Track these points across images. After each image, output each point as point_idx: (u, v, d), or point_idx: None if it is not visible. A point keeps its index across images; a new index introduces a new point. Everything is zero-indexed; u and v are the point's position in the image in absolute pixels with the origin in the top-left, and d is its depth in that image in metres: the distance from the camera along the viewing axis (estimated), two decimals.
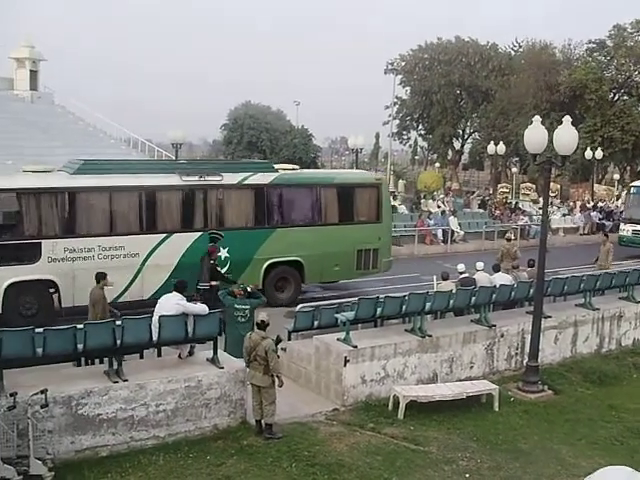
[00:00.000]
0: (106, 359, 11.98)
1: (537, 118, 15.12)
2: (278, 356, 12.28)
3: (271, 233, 21.57)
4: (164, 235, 19.81)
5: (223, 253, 20.25)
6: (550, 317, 17.13)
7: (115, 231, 19.31)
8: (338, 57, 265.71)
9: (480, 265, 18.73)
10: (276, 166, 23.31)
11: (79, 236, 18.82)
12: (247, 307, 14.41)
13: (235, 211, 21.25)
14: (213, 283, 18.45)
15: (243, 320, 14.23)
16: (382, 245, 23.33)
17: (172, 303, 12.50)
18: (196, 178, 20.33)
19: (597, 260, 25.00)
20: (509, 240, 24.65)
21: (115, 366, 11.72)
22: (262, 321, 12.25)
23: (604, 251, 24.96)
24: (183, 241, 20.01)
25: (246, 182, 21.11)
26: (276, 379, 12.06)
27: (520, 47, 69.61)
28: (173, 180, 20.13)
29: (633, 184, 37.36)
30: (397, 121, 74.19)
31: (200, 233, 20.20)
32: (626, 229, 33.96)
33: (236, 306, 14.41)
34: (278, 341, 12.56)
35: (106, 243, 18.92)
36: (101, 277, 15.09)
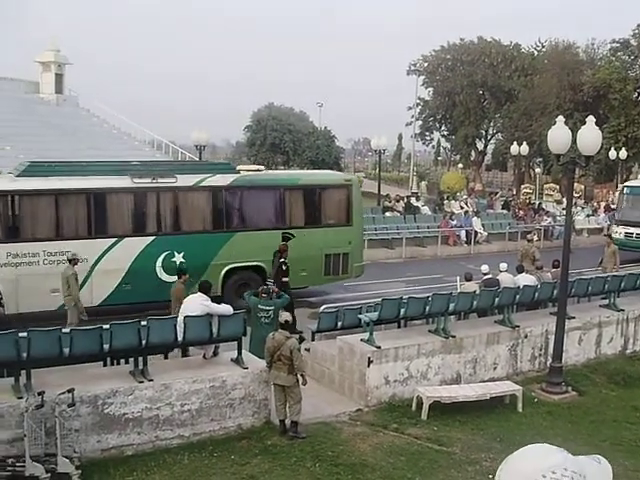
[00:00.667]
0: (131, 359, 12.10)
1: (560, 118, 15.09)
2: (302, 355, 12.36)
3: (230, 237, 20.59)
4: (114, 240, 19.01)
5: (178, 258, 19.45)
6: (574, 318, 17.07)
7: (62, 235, 18.54)
8: (361, 58, 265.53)
9: (504, 266, 18.71)
10: (240, 167, 22.63)
11: (23, 241, 18.18)
12: (272, 308, 14.45)
13: (191, 214, 20.49)
14: (284, 279, 18.65)
15: (267, 321, 14.29)
16: (353, 249, 22.19)
17: (197, 303, 12.61)
18: (148, 180, 19.51)
19: (601, 262, 24.65)
20: (530, 241, 24.54)
21: (140, 366, 11.84)
22: (286, 321, 12.33)
23: (609, 253, 24.64)
24: (135, 246, 19.27)
25: (203, 184, 20.16)
26: (300, 378, 12.12)
27: (543, 47, 69.31)
28: (124, 182, 19.28)
29: (626, 184, 35.40)
30: (420, 122, 74.13)
31: (153, 237, 19.52)
32: (619, 231, 31.85)
33: (260, 307, 14.45)
34: (301, 340, 12.64)
35: (52, 248, 18.19)
36: (182, 273, 16.27)
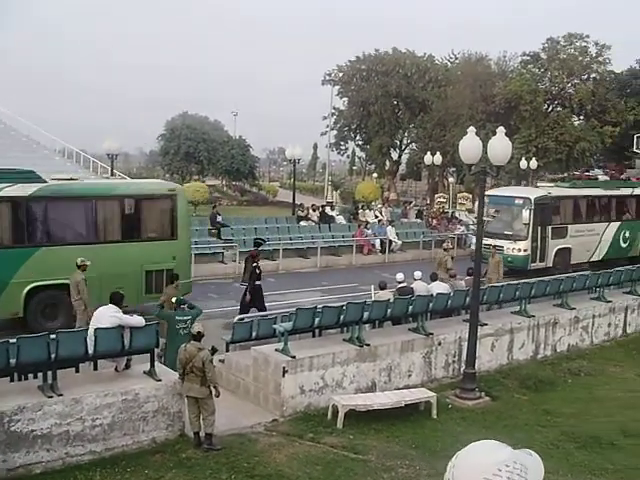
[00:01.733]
0: (40, 374, 11.74)
1: (472, 129, 15.35)
2: (214, 366, 12.21)
3: (33, 253, 18.54)
4: None
5: None
6: (486, 325, 17.37)
7: None
8: (277, 67, 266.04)
9: (418, 274, 18.92)
10: (54, 176, 20.57)
11: None
12: (189, 318, 14.25)
13: None
14: (257, 283, 19.56)
15: (185, 332, 14.08)
16: (178, 265, 20.08)
17: (108, 315, 12.33)
18: None
19: (486, 273, 23.32)
20: (445, 250, 24.80)
21: (50, 380, 11.50)
22: (198, 332, 12.16)
23: (493, 264, 24.20)
24: None
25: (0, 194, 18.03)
26: (213, 390, 11.98)
27: (456, 59, 70.56)
28: None
29: (489, 192, 31.44)
30: (335, 132, 74.55)
31: None
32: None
33: (178, 318, 14.23)
34: (214, 351, 12.49)
35: None
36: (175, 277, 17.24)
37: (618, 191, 33.34)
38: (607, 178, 35.05)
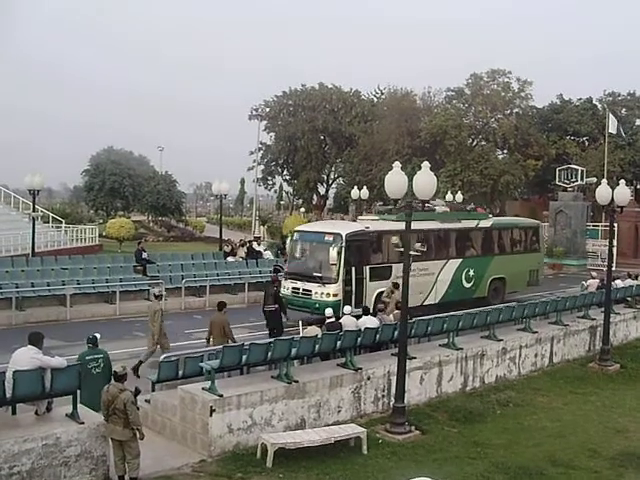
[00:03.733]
0: None
1: (397, 164, 15.45)
2: (138, 408, 11.87)
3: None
4: None
5: None
6: (415, 358, 17.38)
7: None
8: (203, 102, 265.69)
9: (347, 309, 18.87)
10: None
11: None
12: (100, 356, 13.87)
13: None
14: (276, 306, 22.22)
15: (98, 371, 13.70)
16: None
17: (27, 357, 11.87)
18: None
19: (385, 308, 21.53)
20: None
21: None
22: (116, 372, 11.83)
23: (392, 300, 22.36)
24: None
25: None
26: (137, 432, 11.63)
27: (382, 94, 71.61)
28: None
29: (298, 229, 28.90)
30: (262, 167, 74.74)
31: None
32: (286, 286, 25.75)
33: (87, 357, 13.81)
34: (137, 393, 12.14)
35: None
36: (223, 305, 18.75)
37: (459, 224, 29.61)
38: (446, 209, 30.52)
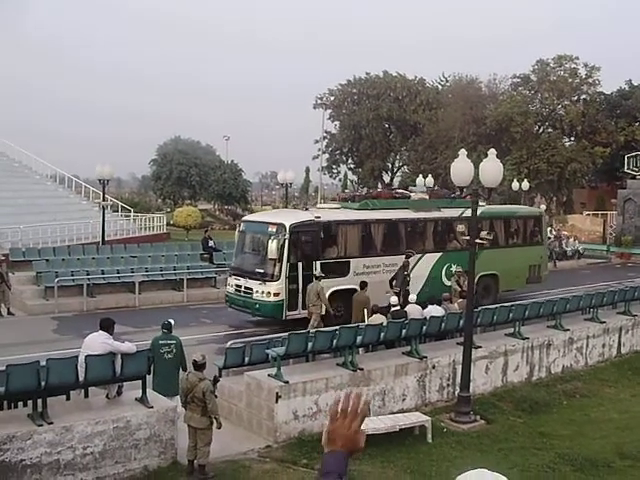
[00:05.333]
0: (30, 401, 11.59)
1: (463, 151, 15.36)
2: (216, 396, 12.02)
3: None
4: None
5: None
6: (480, 347, 17.29)
7: None
8: (269, 91, 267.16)
9: (412, 297, 18.85)
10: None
11: None
12: (173, 342, 14.09)
13: None
14: (407, 288, 21.79)
15: (170, 356, 13.93)
16: None
17: (98, 342, 12.21)
18: None
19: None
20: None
21: (40, 409, 11.36)
22: (195, 361, 11.95)
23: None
24: None
25: None
26: (214, 421, 11.79)
27: (447, 81, 70.99)
28: None
29: (244, 218, 26.99)
30: (327, 155, 74.77)
31: None
32: (230, 283, 23.41)
33: (161, 342, 14.07)
34: (215, 382, 12.33)
35: None
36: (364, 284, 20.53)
37: (438, 213, 26.20)
38: (425, 197, 27.53)
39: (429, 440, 14.15)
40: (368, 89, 71.38)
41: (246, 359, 15.26)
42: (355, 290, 22.03)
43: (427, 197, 27.55)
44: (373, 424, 13.92)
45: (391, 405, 15.51)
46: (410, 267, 23.33)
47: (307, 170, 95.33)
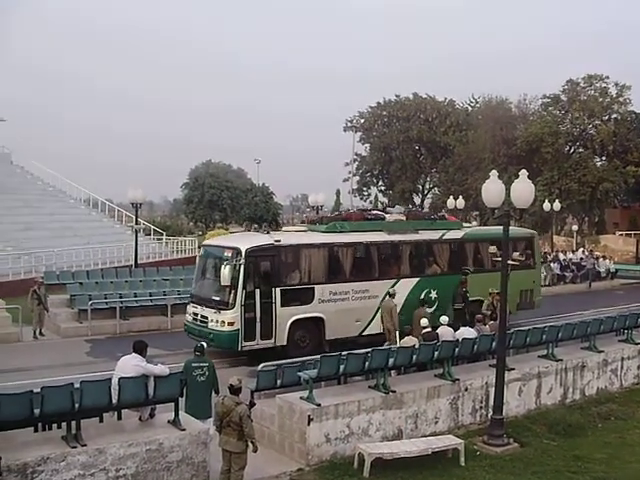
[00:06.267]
0: (64, 423, 11.67)
1: (494, 172, 15.31)
2: (251, 420, 11.99)
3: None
4: None
5: None
6: (513, 369, 17.16)
7: None
8: (298, 115, 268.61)
9: (444, 319, 18.75)
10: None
11: None
12: (206, 365, 14.11)
13: None
14: (463, 304, 23.16)
15: (202, 379, 13.95)
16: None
17: (132, 364, 12.27)
18: None
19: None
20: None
21: (73, 431, 11.42)
22: (232, 385, 11.87)
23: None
24: None
25: None
26: (250, 445, 11.74)
27: (477, 103, 71.03)
28: None
29: (204, 242, 25.78)
30: (357, 178, 74.98)
31: None
32: (188, 311, 22.41)
33: (194, 365, 14.09)
34: (252, 405, 12.33)
35: None
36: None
37: (415, 235, 24.68)
38: (401, 218, 25.59)
39: (462, 463, 14.03)
40: (398, 111, 71.65)
41: (278, 382, 15.26)
42: (320, 318, 21.73)
43: (404, 218, 25.69)
44: (405, 447, 13.86)
45: (423, 428, 15.41)
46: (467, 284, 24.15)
47: (338, 193, 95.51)
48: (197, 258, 24.12)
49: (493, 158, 59.82)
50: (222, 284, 20.37)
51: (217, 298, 21.07)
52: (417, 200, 76.85)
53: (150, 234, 48.75)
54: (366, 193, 78.95)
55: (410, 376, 16.75)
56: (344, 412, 14.06)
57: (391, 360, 15.38)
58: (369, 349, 15.57)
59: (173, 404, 12.48)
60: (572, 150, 62.45)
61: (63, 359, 20.30)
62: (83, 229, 44.18)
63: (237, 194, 71.36)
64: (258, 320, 20.67)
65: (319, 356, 15.21)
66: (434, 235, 25.17)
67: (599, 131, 58.99)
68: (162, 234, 50.17)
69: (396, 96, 72.96)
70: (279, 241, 21.59)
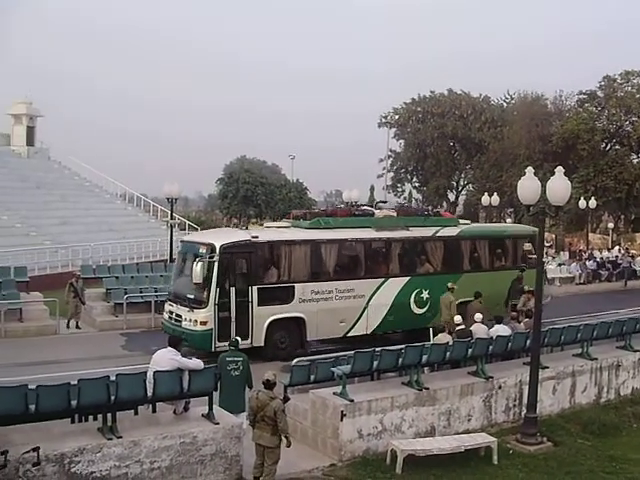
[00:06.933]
0: (100, 415, 11.82)
1: (530, 169, 15.22)
2: (286, 416, 12.02)
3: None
4: None
5: None
6: (547, 368, 17.05)
7: None
8: (332, 110, 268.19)
9: (478, 317, 18.68)
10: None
11: None
12: (240, 359, 14.18)
13: None
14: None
15: (237, 373, 14.02)
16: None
17: (167, 358, 12.39)
18: None
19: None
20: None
21: (109, 422, 11.57)
22: (267, 380, 11.87)
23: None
24: None
25: None
26: (284, 439, 11.79)
27: (512, 99, 70.55)
28: None
29: (183, 238, 24.34)
30: (391, 174, 74.82)
31: None
32: (165, 309, 21.84)
33: (228, 359, 14.17)
34: (286, 400, 12.38)
35: None
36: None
37: (405, 232, 23.63)
38: (392, 214, 24.72)
39: (495, 461, 13.98)
40: (433, 107, 71.38)
41: (311, 377, 15.30)
42: (301, 318, 21.00)
43: (394, 214, 24.77)
44: (438, 444, 13.85)
45: (456, 425, 15.38)
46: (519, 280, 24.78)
47: (372, 188, 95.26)
48: (177, 254, 23.49)
49: (528, 155, 59.36)
50: (194, 281, 19.70)
51: (191, 296, 20.39)
52: (451, 197, 76.54)
53: (185, 229, 49.03)
54: (400, 189, 78.80)
55: (443, 373, 16.71)
56: (377, 408, 14.07)
57: (425, 357, 15.36)
58: (402, 345, 15.57)
59: (207, 398, 12.60)
60: (608, 147, 61.83)
61: (99, 352, 20.53)
62: (118, 224, 44.61)
63: (271, 190, 71.43)
64: (233, 320, 19.96)
65: (353, 352, 15.22)
66: (426, 232, 24.19)
67: (636, 128, 58.31)
68: (197, 229, 50.41)
69: (431, 92, 72.71)
70: (256, 237, 20.89)
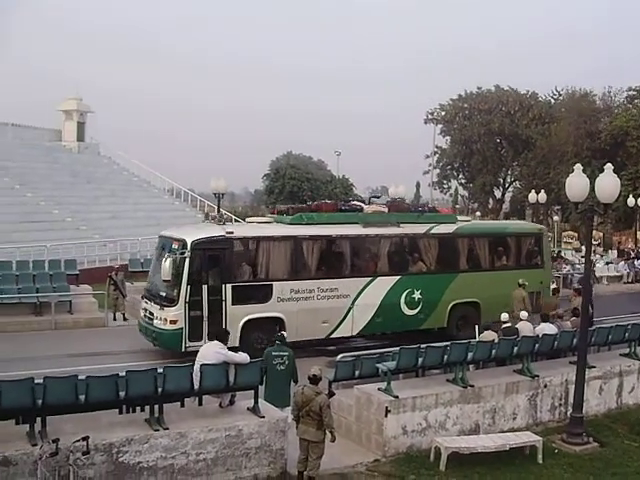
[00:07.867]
0: (147, 407, 12.01)
1: (578, 166, 15.07)
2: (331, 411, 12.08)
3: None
4: None
5: None
6: (594, 367, 16.88)
7: None
8: (378, 107, 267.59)
9: (524, 315, 18.56)
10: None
11: None
12: (285, 354, 14.28)
13: None
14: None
15: (282, 368, 14.12)
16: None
17: (213, 352, 12.53)
18: None
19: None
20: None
21: (156, 414, 11.74)
22: (314, 375, 11.95)
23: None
24: None
25: None
26: (329, 434, 11.87)
27: (560, 95, 69.87)
28: None
29: (161, 233, 22.31)
30: (437, 170, 74.57)
31: None
32: (141, 306, 21.11)
33: (274, 353, 14.29)
34: (331, 395, 12.44)
35: None
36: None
37: (396, 229, 22.63)
38: (384, 210, 23.53)
39: (540, 461, 13.88)
40: (479, 104, 70.99)
41: (356, 373, 15.34)
42: (279, 318, 19.98)
43: (385, 210, 23.58)
44: (483, 442, 13.81)
45: (501, 424, 15.31)
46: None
47: (418, 185, 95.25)
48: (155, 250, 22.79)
49: (576, 151, 58.75)
50: (163, 278, 19.15)
51: (162, 294, 19.77)
52: (498, 194, 76.00)
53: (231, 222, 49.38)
54: (446, 186, 78.57)
55: (488, 371, 16.65)
56: (422, 405, 14.08)
57: (470, 354, 15.32)
58: (448, 342, 15.54)
59: (253, 392, 12.71)
60: None
61: (145, 344, 20.76)
62: (166, 218, 44.93)
63: (317, 185, 71.55)
64: (205, 319, 19.16)
65: (398, 348, 15.22)
66: (419, 229, 23.09)
67: None
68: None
69: (478, 88, 72.30)
70: (232, 233, 20.09)
